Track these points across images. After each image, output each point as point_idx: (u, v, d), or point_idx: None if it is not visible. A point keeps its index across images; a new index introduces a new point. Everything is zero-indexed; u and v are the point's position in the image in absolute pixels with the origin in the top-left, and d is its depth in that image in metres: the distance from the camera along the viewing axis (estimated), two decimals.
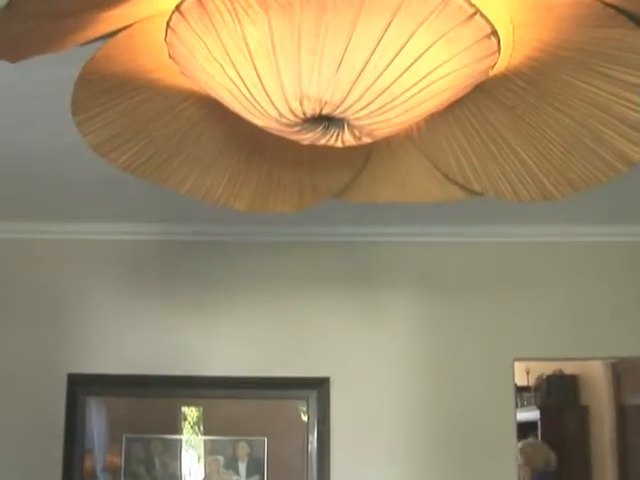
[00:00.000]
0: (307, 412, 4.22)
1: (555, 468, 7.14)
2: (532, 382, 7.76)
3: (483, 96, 1.52)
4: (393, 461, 4.20)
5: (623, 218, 4.24)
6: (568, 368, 7.38)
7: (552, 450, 7.17)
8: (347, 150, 1.51)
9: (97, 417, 4.29)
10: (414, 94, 1.27)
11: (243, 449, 4.22)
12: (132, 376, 4.24)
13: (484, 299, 4.34)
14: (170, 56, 1.36)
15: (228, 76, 1.28)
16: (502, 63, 1.38)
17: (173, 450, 4.23)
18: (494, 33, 1.24)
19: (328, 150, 1.51)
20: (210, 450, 4.23)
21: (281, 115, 1.29)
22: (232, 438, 4.22)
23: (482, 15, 1.20)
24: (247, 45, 1.21)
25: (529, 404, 7.57)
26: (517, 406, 4.99)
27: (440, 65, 1.26)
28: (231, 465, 4.21)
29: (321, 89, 1.23)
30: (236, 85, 1.28)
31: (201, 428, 4.24)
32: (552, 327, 4.32)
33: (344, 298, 4.34)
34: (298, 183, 1.73)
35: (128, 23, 1.35)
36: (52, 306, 4.36)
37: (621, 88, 1.40)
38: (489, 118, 1.58)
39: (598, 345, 4.36)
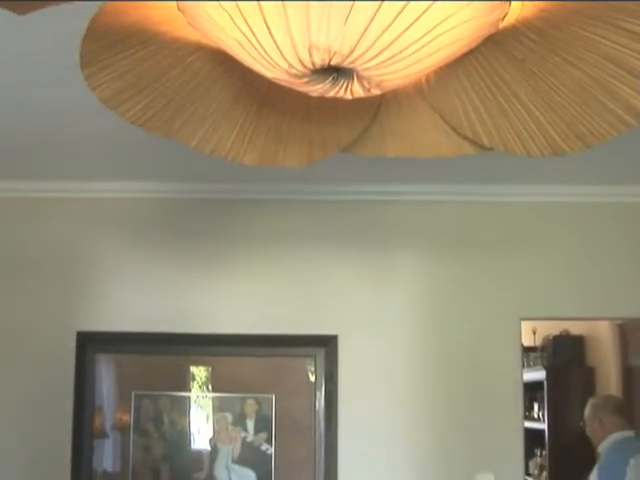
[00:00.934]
0: (315, 370, 4.24)
1: None
2: (539, 342, 7.78)
3: (494, 49, 1.50)
4: (399, 419, 4.23)
5: (632, 178, 4.22)
6: (575, 329, 7.39)
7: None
8: (356, 103, 1.50)
9: (106, 374, 4.33)
10: (423, 45, 1.26)
11: (251, 406, 4.25)
12: (141, 334, 4.27)
13: (491, 259, 4.35)
14: (178, 8, 1.35)
15: (237, 27, 1.27)
16: (513, 15, 1.37)
17: (182, 407, 4.28)
18: None
19: (337, 104, 1.50)
20: (218, 407, 4.27)
21: (290, 66, 1.28)
22: (240, 395, 4.26)
23: None
24: None
25: (535, 364, 7.59)
26: (523, 366, 5.01)
27: (450, 16, 1.25)
28: (239, 422, 4.26)
29: (330, 39, 1.22)
30: (245, 36, 1.28)
31: (209, 387, 4.27)
32: (559, 287, 4.33)
33: (352, 256, 4.35)
34: (307, 137, 1.72)
35: None
36: (62, 265, 4.38)
37: (633, 40, 1.38)
38: (500, 72, 1.56)
39: (605, 305, 4.38)
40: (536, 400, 7.61)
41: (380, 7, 1.18)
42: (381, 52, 1.24)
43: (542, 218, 4.39)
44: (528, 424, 6.09)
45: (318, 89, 1.36)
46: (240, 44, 1.30)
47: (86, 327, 4.31)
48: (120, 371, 4.33)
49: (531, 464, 7.31)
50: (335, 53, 1.24)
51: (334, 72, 1.32)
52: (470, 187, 4.32)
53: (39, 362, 4.30)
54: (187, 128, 1.71)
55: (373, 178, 4.20)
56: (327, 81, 1.34)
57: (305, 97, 1.48)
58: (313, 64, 1.27)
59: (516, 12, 1.37)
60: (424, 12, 1.21)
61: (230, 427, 4.25)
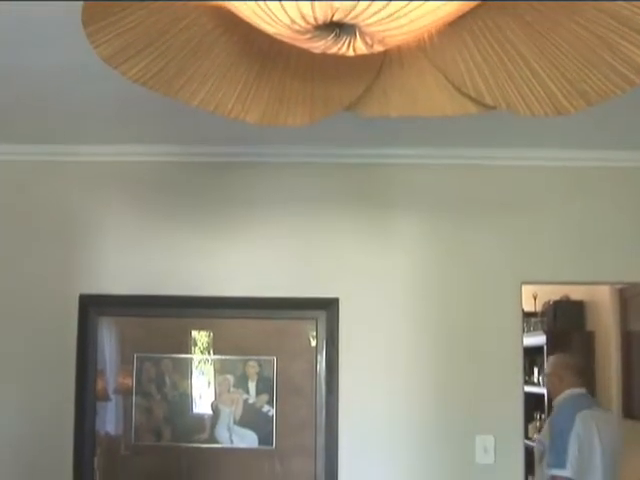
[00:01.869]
0: (316, 332, 4.26)
1: None
2: (539, 308, 7.81)
3: (497, 8, 1.50)
4: (400, 382, 4.26)
5: (632, 144, 4.21)
6: (575, 294, 7.42)
7: None
8: (359, 61, 1.50)
9: (108, 337, 4.35)
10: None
11: (252, 368, 4.27)
12: (143, 296, 4.28)
13: (493, 222, 4.35)
14: None
15: None
16: None
17: (183, 369, 4.30)
18: None
19: (340, 62, 1.50)
20: (220, 369, 4.29)
21: (292, 21, 1.28)
22: (242, 357, 4.28)
23: None
24: None
25: (536, 329, 7.63)
26: (524, 331, 5.03)
27: None
28: (241, 384, 4.28)
29: None
30: None
31: (211, 351, 4.29)
32: (560, 251, 4.34)
33: (353, 220, 4.36)
34: (310, 95, 1.71)
35: None
36: (64, 228, 4.38)
37: None
38: (504, 31, 1.55)
39: (605, 270, 4.38)
40: (536, 365, 7.66)
41: None
42: (383, 7, 1.24)
43: (544, 182, 4.38)
44: (528, 388, 6.14)
45: (320, 45, 1.35)
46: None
47: (89, 290, 4.32)
48: (122, 333, 4.35)
49: (531, 428, 7.37)
50: (337, 9, 1.24)
51: (336, 28, 1.32)
52: (472, 151, 4.31)
53: (42, 326, 4.31)
54: (189, 87, 1.71)
55: (375, 141, 4.19)
56: (329, 37, 1.34)
57: (307, 55, 1.47)
58: (315, 20, 1.27)
59: None
60: None
61: (232, 389, 4.28)
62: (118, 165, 4.41)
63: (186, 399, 4.28)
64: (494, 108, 1.68)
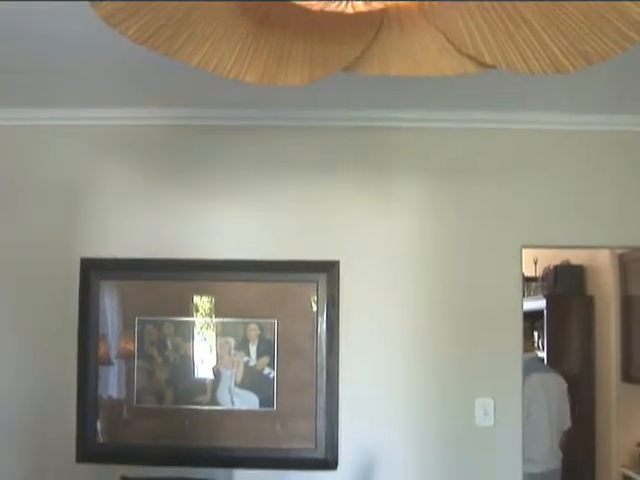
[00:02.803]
0: (317, 295, 4.28)
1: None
2: (540, 273, 7.82)
3: None
4: (400, 345, 4.28)
5: (635, 107, 4.20)
6: (575, 258, 7.43)
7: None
8: (358, 21, 1.49)
9: (110, 301, 4.35)
10: None
11: (253, 331, 4.29)
12: (144, 260, 4.29)
13: (493, 186, 4.35)
14: None
15: None
16: None
17: (185, 332, 4.31)
18: None
19: (339, 21, 1.49)
20: (221, 332, 4.30)
21: None
22: (242, 320, 4.29)
23: None
24: None
25: (536, 294, 7.64)
26: (524, 295, 5.04)
27: None
28: (242, 347, 4.30)
29: None
30: None
31: (213, 315, 4.30)
32: (560, 215, 4.34)
33: (353, 182, 4.35)
34: (309, 55, 1.71)
35: None
36: (65, 192, 4.39)
37: None
38: None
39: (605, 234, 4.38)
40: (536, 329, 7.69)
41: None
42: None
43: (544, 146, 4.37)
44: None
45: (319, 2, 1.34)
46: None
47: (90, 254, 4.33)
48: (124, 297, 4.35)
49: None
50: None
51: None
52: (472, 114, 4.29)
53: (44, 290, 4.33)
54: (188, 47, 1.71)
55: (374, 104, 4.17)
56: None
57: (306, 15, 1.47)
58: None
59: None
60: None
61: (233, 351, 4.29)
62: (119, 129, 4.40)
63: (188, 362, 4.30)
64: (494, 67, 1.67)
